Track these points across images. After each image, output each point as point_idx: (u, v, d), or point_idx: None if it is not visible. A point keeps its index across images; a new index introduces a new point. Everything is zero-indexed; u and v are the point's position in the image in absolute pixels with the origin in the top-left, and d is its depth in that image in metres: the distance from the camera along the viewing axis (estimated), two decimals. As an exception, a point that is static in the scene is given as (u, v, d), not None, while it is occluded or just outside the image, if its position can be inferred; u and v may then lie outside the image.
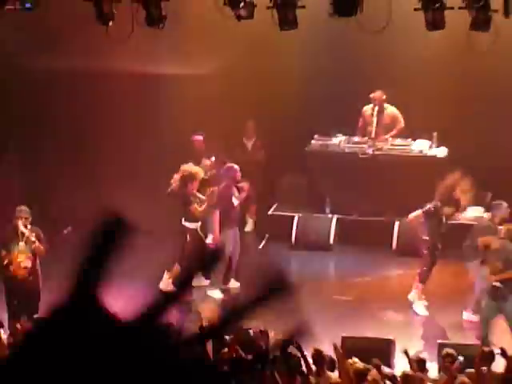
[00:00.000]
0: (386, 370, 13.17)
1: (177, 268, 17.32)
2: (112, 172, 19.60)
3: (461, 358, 13.08)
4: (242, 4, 14.57)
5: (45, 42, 18.62)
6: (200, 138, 19.80)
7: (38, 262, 15.72)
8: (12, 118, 19.30)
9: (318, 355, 13.10)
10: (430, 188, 18.11)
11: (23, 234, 15.54)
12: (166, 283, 17.49)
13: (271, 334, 13.71)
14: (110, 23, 14.77)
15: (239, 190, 17.19)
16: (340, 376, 12.75)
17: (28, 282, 15.70)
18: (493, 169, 18.56)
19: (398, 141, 19.56)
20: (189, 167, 17.59)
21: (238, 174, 17.46)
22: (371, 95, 19.44)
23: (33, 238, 15.53)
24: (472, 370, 12.90)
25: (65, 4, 15.35)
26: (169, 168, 18.20)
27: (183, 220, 17.28)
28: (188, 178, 17.32)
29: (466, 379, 12.46)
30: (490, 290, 15.46)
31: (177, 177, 17.52)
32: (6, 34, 18.20)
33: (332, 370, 13.02)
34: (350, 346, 14.01)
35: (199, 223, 17.45)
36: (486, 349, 13.33)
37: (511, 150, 18.36)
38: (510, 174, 18.14)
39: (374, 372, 12.61)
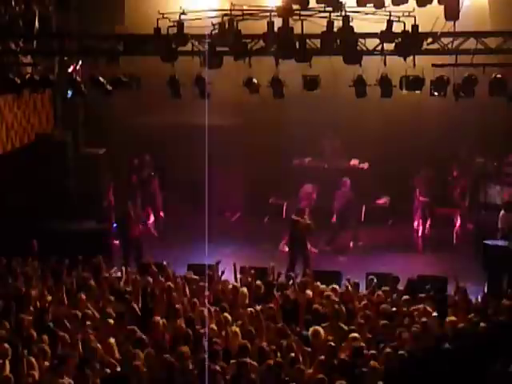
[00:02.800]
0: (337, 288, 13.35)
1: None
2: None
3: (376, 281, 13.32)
4: (252, 85, 14.55)
5: (143, 108, 18.86)
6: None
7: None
8: (122, 147, 19.28)
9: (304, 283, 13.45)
10: (358, 184, 18.52)
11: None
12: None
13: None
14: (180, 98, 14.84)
15: None
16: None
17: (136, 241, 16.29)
18: (390, 175, 18.91)
19: (342, 159, 19.88)
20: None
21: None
22: (326, 134, 19.77)
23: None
24: (386, 288, 13.15)
25: (153, 86, 15.31)
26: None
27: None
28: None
29: (380, 292, 12.91)
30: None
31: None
32: (122, 103, 18.08)
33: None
34: (316, 276, 14.20)
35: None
36: (393, 276, 13.73)
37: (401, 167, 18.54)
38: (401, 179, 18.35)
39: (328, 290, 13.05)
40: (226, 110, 18.79)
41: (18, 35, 13.88)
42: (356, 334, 10.61)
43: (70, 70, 14.82)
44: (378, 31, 12.22)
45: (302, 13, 11.29)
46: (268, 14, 11.21)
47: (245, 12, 11.84)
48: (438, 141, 18.46)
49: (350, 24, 11.32)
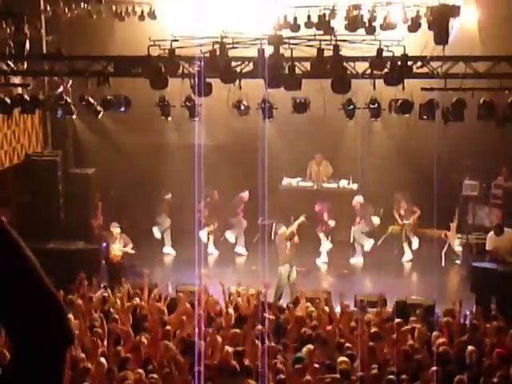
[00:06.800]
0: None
1: None
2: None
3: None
4: (242, 107, 14.95)
5: (132, 128, 18.86)
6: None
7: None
8: (112, 168, 19.39)
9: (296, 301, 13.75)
10: (346, 204, 18.70)
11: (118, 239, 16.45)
12: None
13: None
14: (169, 118, 15.08)
15: None
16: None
17: (118, 264, 16.42)
18: (379, 196, 19.00)
19: (330, 180, 20.03)
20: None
21: None
22: (314, 155, 20.00)
23: (122, 243, 16.46)
24: (374, 310, 13.48)
25: (142, 107, 15.56)
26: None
27: None
28: None
29: (370, 315, 13.17)
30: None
31: None
32: (111, 123, 18.55)
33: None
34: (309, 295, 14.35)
35: None
36: (382, 297, 13.94)
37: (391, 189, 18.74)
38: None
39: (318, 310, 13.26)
40: (215, 131, 18.97)
41: (9, 56, 14.11)
42: (344, 358, 10.81)
43: (59, 90, 15.02)
44: (368, 54, 12.47)
45: (292, 41, 11.53)
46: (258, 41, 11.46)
47: (235, 40, 12.07)
48: (427, 163, 18.69)
49: (340, 53, 11.55)
